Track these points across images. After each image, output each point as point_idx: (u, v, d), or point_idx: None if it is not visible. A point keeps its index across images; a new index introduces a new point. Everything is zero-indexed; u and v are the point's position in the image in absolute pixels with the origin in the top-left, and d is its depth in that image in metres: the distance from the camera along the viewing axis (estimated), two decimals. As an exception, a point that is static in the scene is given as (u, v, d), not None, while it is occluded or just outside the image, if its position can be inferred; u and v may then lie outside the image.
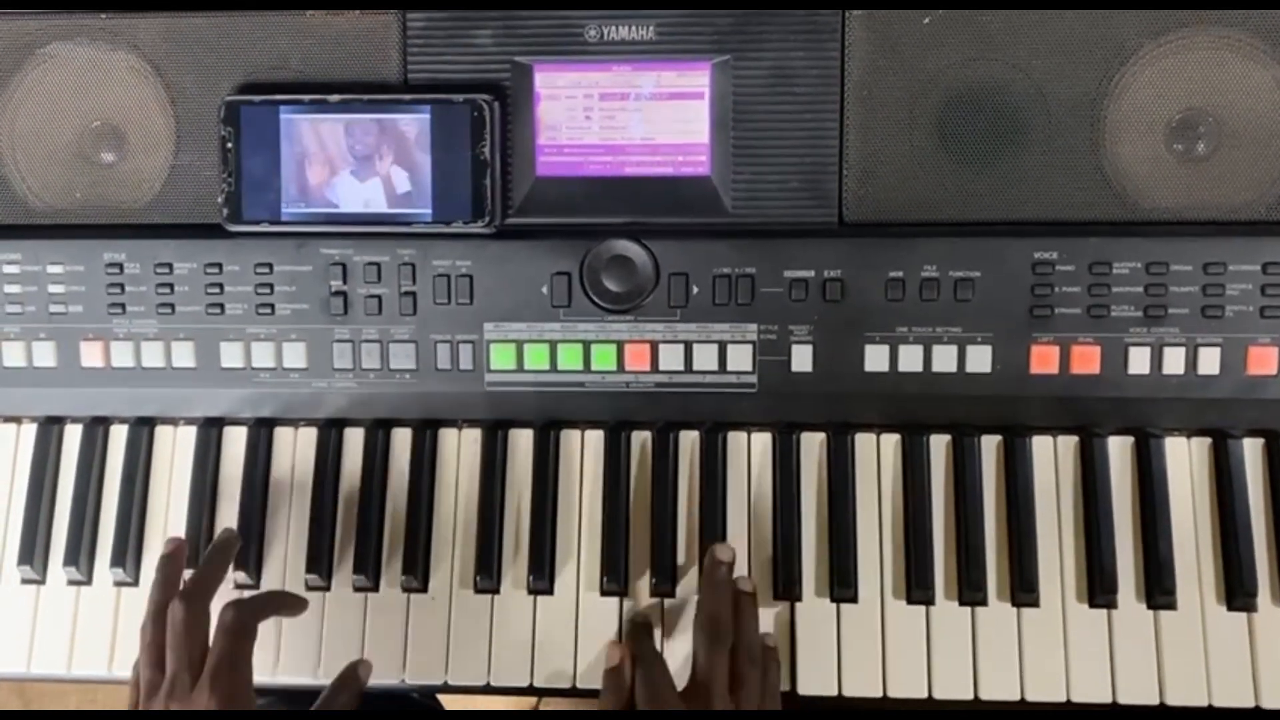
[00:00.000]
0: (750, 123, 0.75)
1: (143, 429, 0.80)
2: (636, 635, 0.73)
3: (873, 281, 0.74)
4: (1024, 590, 0.73)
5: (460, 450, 0.78)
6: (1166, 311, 0.72)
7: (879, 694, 0.73)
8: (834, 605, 0.74)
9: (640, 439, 0.78)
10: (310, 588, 0.77)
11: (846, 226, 0.75)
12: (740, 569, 0.75)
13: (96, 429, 0.80)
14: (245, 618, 0.68)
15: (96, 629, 0.78)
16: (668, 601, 0.75)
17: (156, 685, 0.66)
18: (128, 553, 0.78)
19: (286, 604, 0.74)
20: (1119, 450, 0.75)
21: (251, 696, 0.67)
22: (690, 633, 0.73)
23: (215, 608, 0.69)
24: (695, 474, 0.77)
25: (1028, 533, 0.74)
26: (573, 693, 0.76)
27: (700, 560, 0.75)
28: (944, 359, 0.74)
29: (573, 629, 0.75)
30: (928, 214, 0.74)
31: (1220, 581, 0.73)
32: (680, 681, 0.70)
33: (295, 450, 0.80)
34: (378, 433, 0.78)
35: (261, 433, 0.79)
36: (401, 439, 0.79)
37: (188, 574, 0.73)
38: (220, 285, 0.76)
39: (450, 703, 1.02)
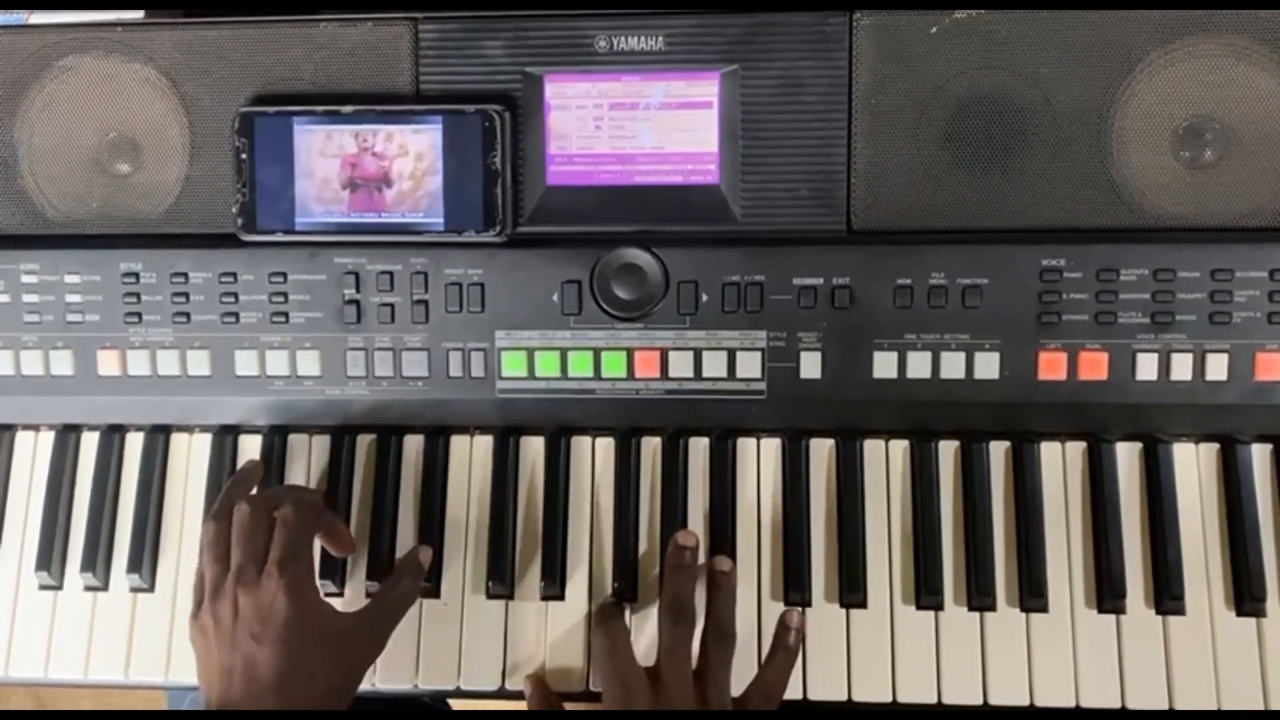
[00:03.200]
0: (759, 132, 0.75)
1: (158, 436, 0.81)
2: (603, 607, 0.75)
3: (881, 289, 0.74)
4: (1033, 595, 0.73)
5: (472, 457, 0.79)
6: (1174, 318, 0.73)
7: (889, 699, 0.73)
8: (843, 611, 0.75)
9: (650, 445, 0.78)
10: (325, 594, 0.77)
11: (855, 234, 0.75)
12: (750, 575, 0.75)
13: (113, 436, 0.81)
14: (305, 514, 0.71)
15: (113, 634, 0.79)
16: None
17: (221, 579, 0.68)
18: (143, 559, 0.79)
19: (337, 531, 0.75)
20: (1127, 456, 0.76)
21: (315, 587, 0.70)
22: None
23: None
24: (705, 480, 0.77)
25: (1036, 538, 0.74)
26: (584, 696, 0.76)
27: (709, 562, 0.75)
28: (952, 365, 0.74)
29: (584, 634, 0.76)
30: (936, 221, 0.75)
31: (1229, 587, 0.73)
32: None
33: (309, 457, 0.80)
34: (390, 440, 0.79)
35: (276, 440, 0.80)
36: (414, 446, 0.80)
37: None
38: (235, 294, 0.77)
39: (460, 705, 1.03)
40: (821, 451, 0.77)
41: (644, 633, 0.75)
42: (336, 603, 0.77)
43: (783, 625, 0.73)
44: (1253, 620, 0.73)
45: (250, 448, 0.80)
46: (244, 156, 0.76)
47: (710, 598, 0.73)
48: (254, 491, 0.75)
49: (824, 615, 0.75)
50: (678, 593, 0.72)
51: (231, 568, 0.68)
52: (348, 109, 0.75)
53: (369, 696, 0.76)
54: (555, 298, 0.76)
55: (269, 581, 0.67)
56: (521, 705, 0.75)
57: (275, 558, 0.68)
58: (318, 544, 0.75)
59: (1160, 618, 0.73)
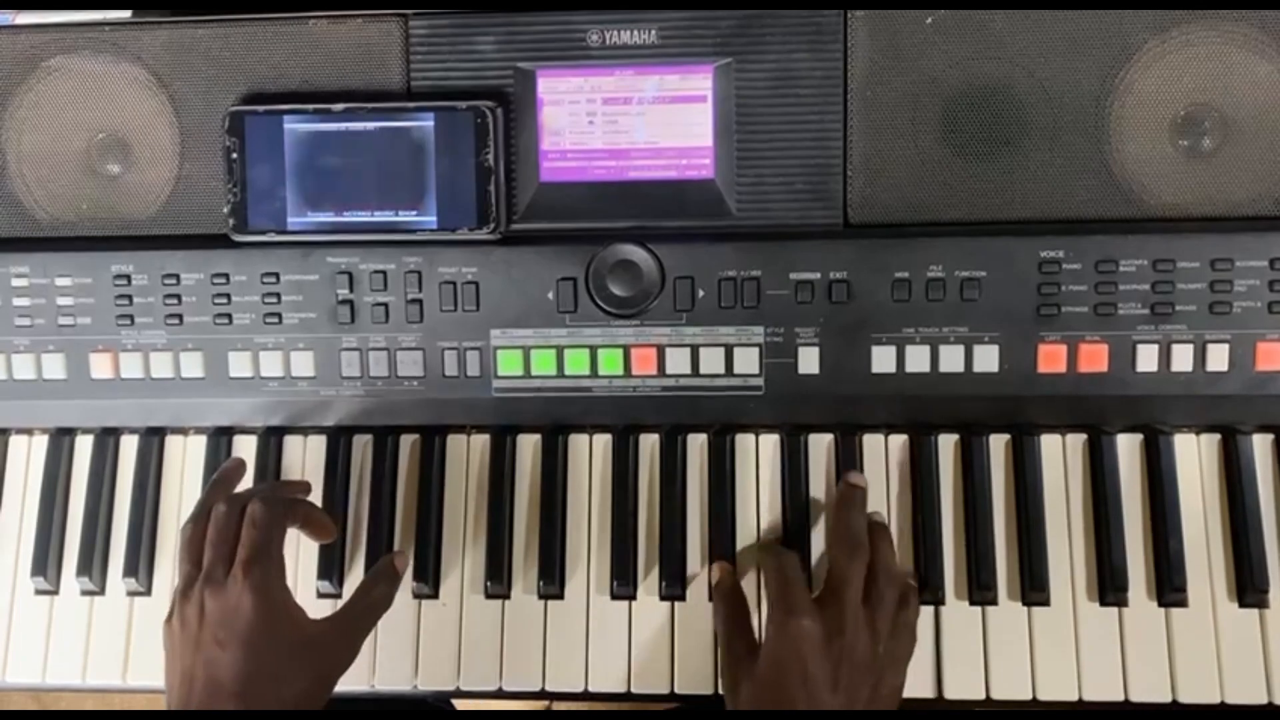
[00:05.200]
0: (754, 125, 0.74)
1: (153, 439, 0.80)
2: (765, 543, 0.75)
3: (879, 283, 0.73)
4: (1034, 589, 0.73)
5: (469, 456, 0.79)
6: (1174, 309, 0.72)
7: (890, 694, 0.73)
8: (844, 606, 0.74)
9: (648, 442, 0.78)
10: (321, 595, 0.77)
11: (851, 228, 0.75)
12: (750, 572, 0.75)
13: (107, 440, 0.81)
14: (274, 512, 0.69)
15: (110, 638, 0.79)
16: (678, 606, 0.75)
17: (193, 579, 0.67)
18: (140, 562, 0.78)
19: (314, 519, 0.73)
20: (1128, 448, 0.75)
21: (285, 588, 0.68)
22: (699, 634, 0.73)
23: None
24: (703, 477, 0.77)
25: (1037, 531, 0.74)
26: (584, 696, 0.76)
27: (710, 562, 0.75)
28: (951, 359, 0.73)
29: (584, 633, 0.76)
30: (933, 214, 0.74)
31: (1231, 578, 0.73)
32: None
33: (305, 458, 0.80)
34: (386, 440, 0.79)
35: (271, 441, 0.80)
36: (410, 446, 0.79)
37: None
38: (227, 295, 0.77)
39: (463, 705, 1.03)
40: (820, 447, 0.77)
41: (647, 624, 0.75)
42: (334, 604, 0.77)
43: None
44: (1255, 611, 0.72)
45: (245, 449, 0.80)
46: (234, 156, 0.75)
47: (874, 540, 0.72)
48: (238, 490, 0.74)
49: (824, 611, 0.74)
50: (851, 526, 0.71)
51: (202, 569, 0.67)
52: (338, 107, 0.75)
53: (369, 697, 0.76)
54: (550, 295, 0.75)
55: (235, 583, 0.65)
56: (520, 705, 0.75)
57: (242, 558, 0.66)
58: (300, 537, 0.75)
59: (1162, 610, 0.73)
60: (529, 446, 0.78)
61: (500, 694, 0.76)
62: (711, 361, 0.75)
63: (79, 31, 0.78)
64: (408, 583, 0.76)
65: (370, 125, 0.74)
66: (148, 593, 0.79)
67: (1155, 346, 0.72)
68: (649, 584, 0.76)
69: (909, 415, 0.76)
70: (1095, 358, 0.73)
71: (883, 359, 0.74)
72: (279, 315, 0.77)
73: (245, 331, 0.77)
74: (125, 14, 0.80)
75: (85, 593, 0.79)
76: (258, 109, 0.75)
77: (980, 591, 0.73)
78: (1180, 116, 0.73)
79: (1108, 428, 0.75)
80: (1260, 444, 0.75)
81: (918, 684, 0.73)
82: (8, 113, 0.78)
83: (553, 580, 0.75)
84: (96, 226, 0.79)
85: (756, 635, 0.72)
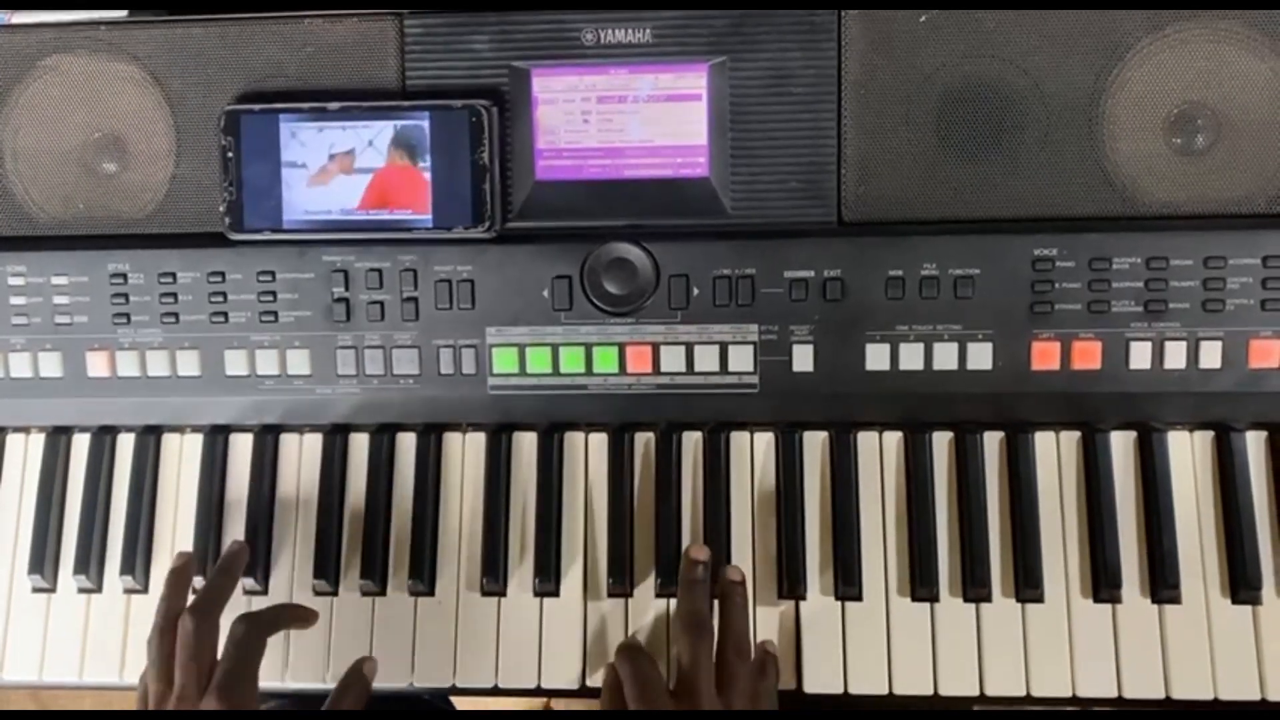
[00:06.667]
0: (748, 124, 0.75)
1: (149, 437, 0.81)
2: (624, 644, 0.74)
3: (873, 280, 0.74)
4: (1028, 586, 0.73)
5: (464, 454, 0.79)
6: (1167, 306, 0.72)
7: (885, 691, 0.73)
8: (839, 603, 0.75)
9: (643, 440, 0.78)
10: (318, 593, 0.77)
11: (846, 226, 0.75)
12: (744, 569, 0.75)
13: (104, 438, 0.81)
14: (256, 631, 0.69)
15: (107, 636, 0.79)
16: (674, 603, 0.75)
17: (165, 698, 0.66)
18: (137, 560, 0.79)
19: (299, 616, 0.74)
20: (1121, 445, 0.75)
21: (258, 711, 0.67)
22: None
23: (225, 620, 0.70)
24: (699, 474, 0.77)
25: (1031, 529, 0.74)
26: (581, 693, 0.76)
27: (721, 573, 0.75)
28: (945, 357, 0.74)
29: (580, 630, 0.76)
30: (927, 212, 0.74)
31: (1224, 575, 0.73)
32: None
33: (301, 456, 0.80)
34: (382, 438, 0.79)
35: (267, 439, 0.80)
36: (406, 444, 0.79)
37: (197, 585, 0.74)
38: (223, 294, 0.77)
39: (461, 703, 1.03)
40: (815, 444, 0.77)
41: (643, 621, 0.76)
42: (330, 602, 0.77)
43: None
44: (1248, 608, 0.73)
45: (242, 447, 0.80)
46: (230, 155, 0.75)
47: (724, 609, 0.72)
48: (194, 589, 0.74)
49: (819, 608, 0.75)
50: (693, 608, 0.71)
51: (174, 689, 0.66)
52: (334, 106, 0.75)
53: (366, 695, 0.76)
54: (546, 293, 0.75)
55: (208, 706, 0.64)
56: (519, 704, 0.75)
57: (219, 680, 0.65)
58: (297, 540, 0.75)
59: (1156, 607, 0.73)
60: (525, 444, 0.79)
61: (496, 691, 0.77)
62: (706, 359, 0.75)
63: (75, 31, 0.78)
64: (403, 582, 0.77)
65: (365, 124, 0.75)
66: (145, 590, 0.79)
67: (1149, 344, 0.73)
68: (644, 581, 0.76)
69: (903, 413, 0.76)
70: (1089, 355, 0.73)
71: (877, 356, 0.74)
72: (275, 314, 0.77)
73: (241, 330, 0.77)
74: (121, 13, 0.80)
75: (82, 590, 0.79)
76: (253, 108, 0.75)
77: (975, 589, 0.73)
78: (1173, 115, 0.73)
79: (1101, 425, 0.75)
80: (1253, 441, 0.75)
81: (914, 681, 0.73)
82: (4, 112, 0.78)
83: (549, 577, 0.76)
84: (93, 225, 0.79)
85: None
